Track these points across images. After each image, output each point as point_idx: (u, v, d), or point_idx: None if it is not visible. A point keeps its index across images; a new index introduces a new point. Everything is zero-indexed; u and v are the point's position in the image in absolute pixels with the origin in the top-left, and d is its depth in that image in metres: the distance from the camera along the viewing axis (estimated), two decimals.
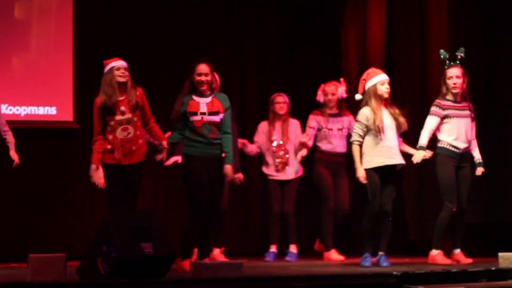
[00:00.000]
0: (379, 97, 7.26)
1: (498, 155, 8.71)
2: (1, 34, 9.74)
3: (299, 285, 5.69)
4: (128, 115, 7.03)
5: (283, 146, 8.70)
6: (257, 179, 9.93)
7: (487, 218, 8.93)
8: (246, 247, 10.00)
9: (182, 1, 10.45)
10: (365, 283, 5.94)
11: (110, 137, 7.02)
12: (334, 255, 8.53)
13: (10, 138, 8.30)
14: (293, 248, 8.69)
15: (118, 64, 7.04)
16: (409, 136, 7.67)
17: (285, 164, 8.69)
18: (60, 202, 9.78)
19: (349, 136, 8.12)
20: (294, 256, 8.63)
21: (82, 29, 9.95)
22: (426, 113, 7.58)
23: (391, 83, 7.39)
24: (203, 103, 6.95)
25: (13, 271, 7.19)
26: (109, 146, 7.03)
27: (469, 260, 7.33)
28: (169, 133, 7.26)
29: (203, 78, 6.96)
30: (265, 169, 8.82)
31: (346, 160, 8.39)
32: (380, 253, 7.26)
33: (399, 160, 7.30)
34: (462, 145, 7.40)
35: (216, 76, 7.31)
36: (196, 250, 7.20)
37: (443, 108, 7.39)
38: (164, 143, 7.12)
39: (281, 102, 8.77)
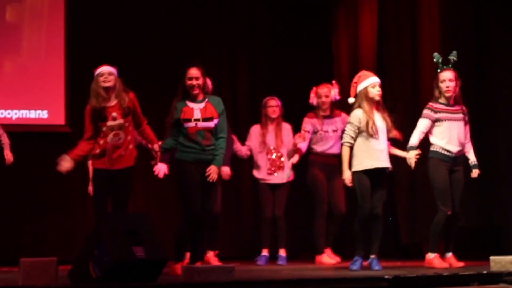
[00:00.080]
0: (371, 100, 7.27)
1: (490, 158, 8.70)
2: None
3: None
4: (120, 121, 7.02)
5: (277, 150, 8.68)
6: (248, 183, 9.92)
7: (478, 221, 8.93)
8: (238, 251, 9.99)
9: (174, 5, 10.45)
10: (357, 287, 5.95)
11: (101, 142, 7.02)
12: (326, 258, 8.52)
13: (5, 140, 8.27)
14: (282, 252, 8.67)
15: (101, 70, 7.08)
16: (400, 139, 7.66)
17: (280, 168, 8.68)
18: (52, 206, 9.76)
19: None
20: (283, 260, 8.62)
21: (73, 32, 9.94)
22: (417, 115, 7.58)
23: (382, 86, 7.39)
24: (196, 109, 6.96)
25: (4, 275, 7.18)
26: (97, 150, 7.03)
27: (461, 264, 7.33)
28: (160, 142, 7.21)
29: (194, 82, 6.97)
30: (256, 173, 8.80)
31: (340, 161, 8.37)
32: (372, 256, 7.25)
33: (388, 164, 7.31)
34: (454, 148, 7.39)
35: (208, 80, 7.31)
36: (188, 254, 7.20)
37: (435, 111, 7.39)
38: (156, 146, 7.11)
39: (274, 105, 8.76)
